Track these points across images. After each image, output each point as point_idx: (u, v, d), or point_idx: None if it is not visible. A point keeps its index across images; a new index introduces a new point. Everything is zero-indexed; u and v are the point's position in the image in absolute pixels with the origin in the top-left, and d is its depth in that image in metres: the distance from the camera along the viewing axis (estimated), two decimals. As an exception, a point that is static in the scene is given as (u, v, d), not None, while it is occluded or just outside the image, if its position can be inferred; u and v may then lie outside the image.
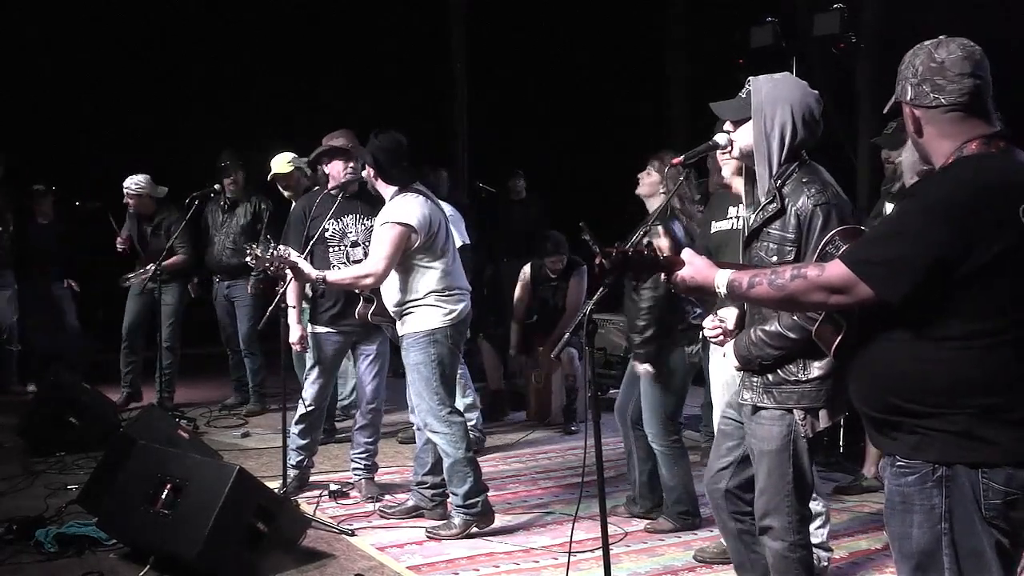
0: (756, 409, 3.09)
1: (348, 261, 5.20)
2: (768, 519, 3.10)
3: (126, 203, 7.52)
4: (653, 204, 4.69)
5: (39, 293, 8.29)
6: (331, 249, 5.23)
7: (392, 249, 4.53)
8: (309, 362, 5.36)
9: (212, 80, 10.05)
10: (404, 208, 4.60)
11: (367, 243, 5.04)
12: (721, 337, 3.22)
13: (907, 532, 2.25)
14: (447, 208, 6.26)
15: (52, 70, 9.61)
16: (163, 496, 4.10)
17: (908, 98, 2.30)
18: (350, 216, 5.23)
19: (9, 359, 8.21)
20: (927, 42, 2.31)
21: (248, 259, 4.83)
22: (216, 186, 7.27)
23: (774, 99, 3.02)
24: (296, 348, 5.33)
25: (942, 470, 2.18)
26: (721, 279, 2.45)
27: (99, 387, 6.82)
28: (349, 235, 5.23)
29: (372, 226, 5.02)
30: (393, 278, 4.66)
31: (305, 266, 4.66)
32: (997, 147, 2.23)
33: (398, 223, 4.55)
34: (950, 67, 2.24)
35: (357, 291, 4.98)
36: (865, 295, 2.19)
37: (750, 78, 3.13)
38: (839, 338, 2.36)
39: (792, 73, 3.31)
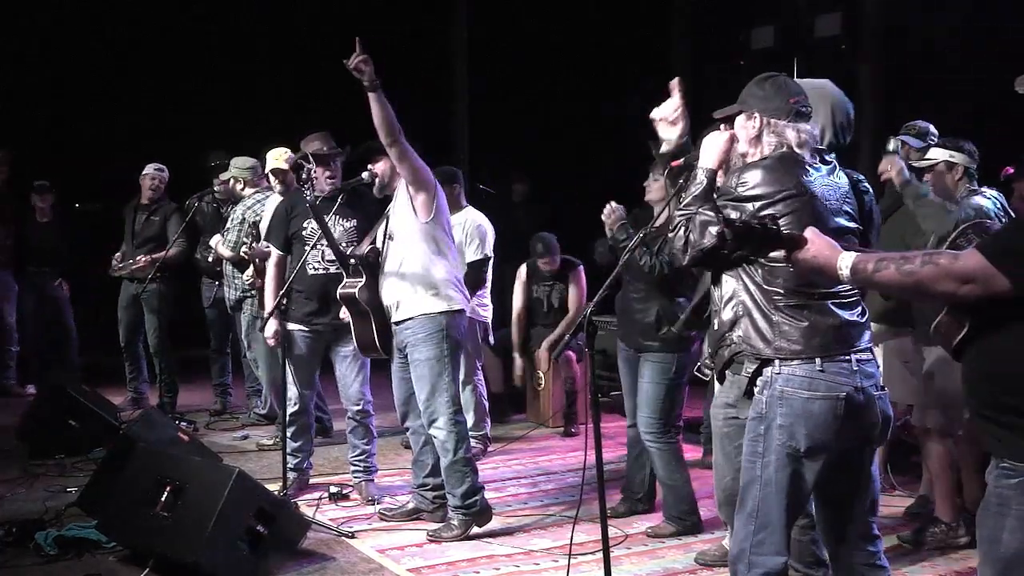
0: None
1: (323, 260, 5.22)
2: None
3: (154, 189, 7.38)
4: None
5: (39, 294, 8.26)
6: (307, 247, 5.19)
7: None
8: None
9: (212, 81, 10.04)
10: None
11: (344, 243, 5.10)
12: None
13: (997, 536, 2.15)
14: (479, 217, 6.21)
15: (52, 69, 9.60)
16: (163, 498, 4.08)
17: None
18: (330, 217, 5.18)
19: (9, 361, 8.19)
20: None
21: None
22: (217, 188, 7.24)
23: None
24: (270, 343, 5.33)
25: None
26: (845, 261, 2.31)
27: (99, 388, 6.81)
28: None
29: (350, 227, 5.17)
30: (405, 267, 4.59)
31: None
32: None
33: None
34: None
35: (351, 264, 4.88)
36: (1000, 287, 2.04)
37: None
38: (961, 335, 2.22)
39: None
